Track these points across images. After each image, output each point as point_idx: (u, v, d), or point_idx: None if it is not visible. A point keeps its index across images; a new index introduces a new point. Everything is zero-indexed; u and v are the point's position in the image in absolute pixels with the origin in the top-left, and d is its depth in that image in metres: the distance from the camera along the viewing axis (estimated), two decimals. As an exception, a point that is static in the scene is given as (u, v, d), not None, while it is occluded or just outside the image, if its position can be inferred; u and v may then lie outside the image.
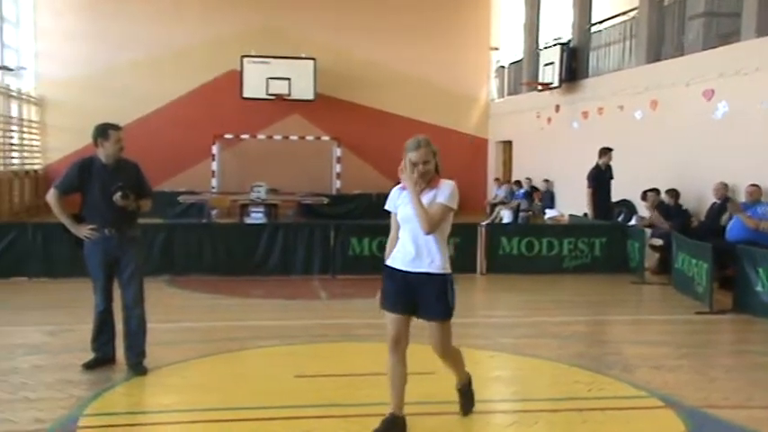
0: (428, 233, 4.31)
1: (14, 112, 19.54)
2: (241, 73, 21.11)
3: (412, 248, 4.38)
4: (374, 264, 10.78)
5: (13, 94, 19.37)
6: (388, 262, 4.49)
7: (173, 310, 8.19)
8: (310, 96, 21.41)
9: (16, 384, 5.41)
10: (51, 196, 5.75)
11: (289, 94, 21.13)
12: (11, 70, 18.51)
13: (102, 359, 5.87)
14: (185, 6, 21.71)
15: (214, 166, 21.09)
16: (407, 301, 4.39)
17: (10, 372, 5.76)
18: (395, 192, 4.52)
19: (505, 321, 8.32)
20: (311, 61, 21.28)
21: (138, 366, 5.73)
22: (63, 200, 5.75)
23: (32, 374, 5.70)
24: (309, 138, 22.01)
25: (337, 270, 10.67)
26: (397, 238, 4.50)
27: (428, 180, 4.38)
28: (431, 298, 4.37)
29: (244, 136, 21.74)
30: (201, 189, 20.03)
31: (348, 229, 10.98)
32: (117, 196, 5.62)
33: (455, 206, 4.37)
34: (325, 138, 22.12)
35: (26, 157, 20.44)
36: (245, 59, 21.01)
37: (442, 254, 4.39)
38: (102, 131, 5.76)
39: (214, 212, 17.68)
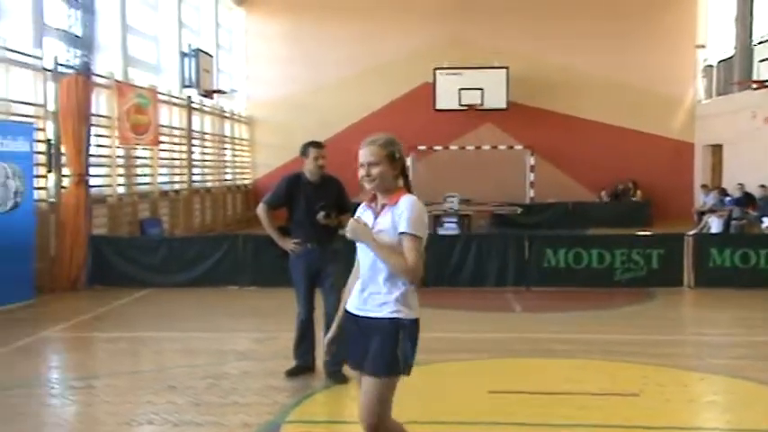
0: (412, 283, 3.33)
1: (227, 132, 21.13)
2: (434, 85, 21.41)
3: (359, 284, 3.43)
4: (570, 276, 10.55)
5: (227, 114, 20.96)
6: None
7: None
8: (503, 105, 21.26)
9: (227, 389, 5.77)
10: (261, 210, 6.10)
11: (481, 104, 21.11)
12: (224, 93, 20.04)
13: (302, 367, 6.11)
14: (380, 26, 22.38)
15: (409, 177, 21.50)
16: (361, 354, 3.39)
17: (221, 377, 6.16)
18: (359, 209, 3.53)
19: (717, 340, 7.69)
20: (504, 70, 21.13)
21: (337, 375, 5.87)
22: (271, 213, 6.09)
23: (241, 380, 6.06)
24: (502, 147, 21.83)
25: (532, 282, 10.43)
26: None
27: (384, 191, 3.42)
28: (375, 347, 3.33)
29: (436, 147, 21.99)
30: (397, 200, 20.45)
31: (543, 239, 10.71)
32: (320, 216, 5.86)
33: (425, 235, 3.33)
34: (518, 146, 21.83)
35: (238, 173, 22.01)
36: (438, 72, 21.29)
37: (393, 291, 3.33)
38: (303, 149, 6.04)
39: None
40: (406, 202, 3.35)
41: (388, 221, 3.33)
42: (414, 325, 3.36)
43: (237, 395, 5.59)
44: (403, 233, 3.27)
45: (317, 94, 22.21)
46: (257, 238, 11.17)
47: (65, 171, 10.67)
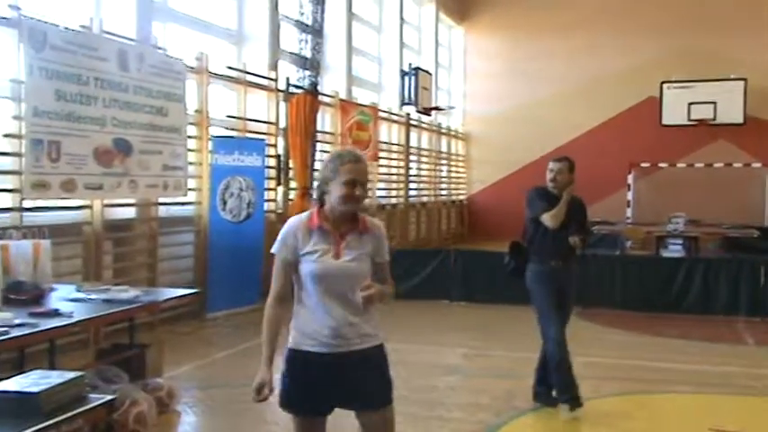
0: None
1: (444, 147, 21.49)
2: (660, 99, 20.29)
3: (331, 320, 3.06)
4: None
5: (444, 130, 21.32)
6: (296, 343, 3.13)
7: (581, 343, 8.06)
8: (739, 120, 19.64)
9: (433, 403, 5.82)
10: (548, 216, 5.61)
11: (713, 119, 19.66)
12: (442, 110, 20.41)
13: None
14: (600, 40, 21.65)
15: (629, 195, 20.56)
16: (329, 395, 3.11)
17: (429, 390, 6.23)
18: (298, 229, 3.07)
19: None
20: (741, 82, 19.55)
21: (548, 397, 5.69)
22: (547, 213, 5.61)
23: (447, 395, 6.09)
24: (737, 164, 20.17)
25: None
26: (290, 300, 3.16)
27: (350, 216, 3.10)
28: (367, 378, 3.13)
29: (661, 164, 20.81)
30: (616, 219, 19.62)
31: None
32: (576, 240, 5.57)
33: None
34: (756, 164, 20.05)
35: (453, 189, 22.29)
36: (665, 85, 20.16)
37: (369, 320, 3.16)
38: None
39: (628, 244, 17.17)
40: (381, 228, 3.23)
41: (365, 246, 3.11)
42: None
43: (443, 409, 5.62)
44: (385, 262, 3.21)
45: (534, 110, 21.92)
46: (469, 254, 11.25)
47: (291, 184, 11.39)
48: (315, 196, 3.18)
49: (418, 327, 9.12)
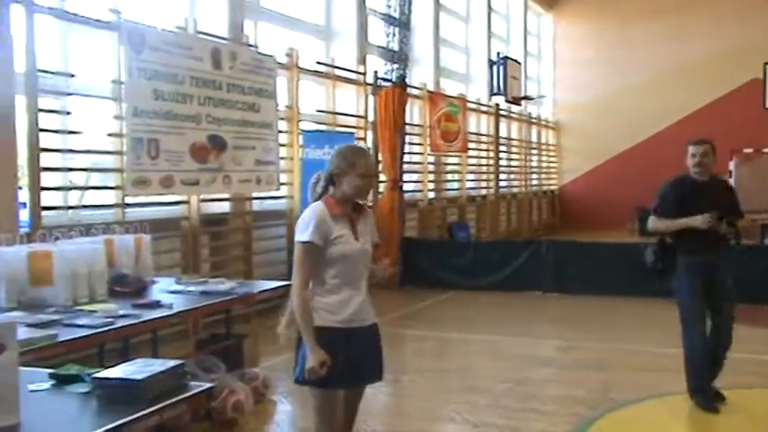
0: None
1: (534, 137, 21.14)
2: (764, 81, 19.33)
3: (353, 298, 3.38)
4: None
5: (533, 120, 20.98)
6: (326, 321, 3.31)
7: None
8: None
9: (526, 395, 5.74)
10: (653, 222, 5.25)
11: (824, 100, 18.60)
12: (532, 99, 20.08)
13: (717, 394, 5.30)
14: (694, 23, 20.79)
15: (731, 182, 19.69)
16: (355, 367, 3.38)
17: (522, 382, 6.15)
18: (326, 216, 3.30)
19: None
20: None
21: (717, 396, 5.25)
22: (661, 222, 5.23)
23: (541, 387, 6.00)
24: None
25: None
26: (319, 283, 3.34)
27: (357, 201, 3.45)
28: (376, 354, 3.51)
29: (766, 150, 19.83)
30: (717, 208, 18.84)
31: None
32: (723, 228, 5.11)
33: None
34: None
35: (543, 179, 21.91)
36: (770, 66, 19.19)
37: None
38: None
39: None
40: (370, 213, 3.59)
41: (368, 229, 3.46)
42: None
43: (537, 402, 5.53)
44: (378, 241, 3.56)
45: (625, 98, 21.26)
46: (562, 244, 11.04)
47: (381, 177, 11.45)
48: (321, 186, 3.40)
49: (510, 318, 9.02)
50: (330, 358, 3.21)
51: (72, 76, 6.82)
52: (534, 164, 21.19)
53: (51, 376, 2.76)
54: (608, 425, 5.07)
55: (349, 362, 3.28)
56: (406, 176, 12.13)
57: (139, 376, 2.54)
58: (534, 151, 21.18)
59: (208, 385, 2.82)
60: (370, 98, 11.47)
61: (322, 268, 3.31)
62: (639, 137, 18.95)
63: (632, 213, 18.08)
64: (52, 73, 6.58)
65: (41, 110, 6.22)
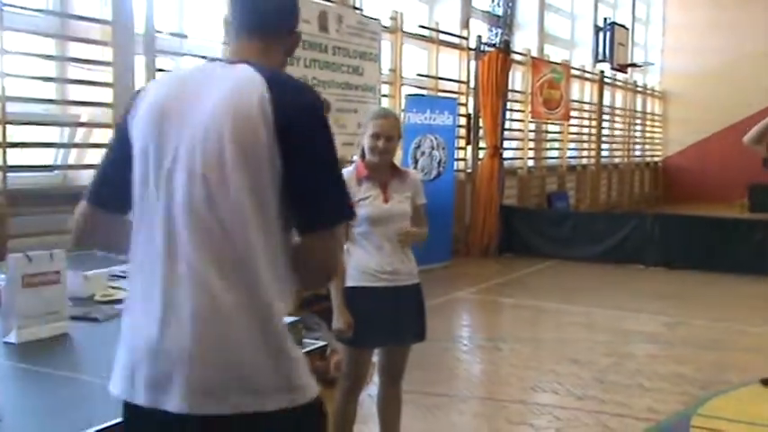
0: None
1: (639, 107, 20.40)
2: None
3: (386, 258, 3.40)
4: None
5: (639, 89, 20.22)
6: (355, 281, 3.38)
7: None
8: None
9: (631, 370, 5.59)
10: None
11: None
12: (639, 66, 19.34)
13: None
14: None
15: None
16: (385, 328, 3.43)
17: (626, 357, 5.99)
18: (351, 179, 3.29)
19: None
20: None
21: None
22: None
23: (647, 363, 5.82)
24: None
25: None
26: (350, 244, 3.39)
27: (387, 164, 3.41)
28: (413, 314, 3.53)
29: None
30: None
31: None
32: None
33: None
34: None
35: (647, 150, 21.16)
36: None
37: (411, 257, 3.53)
38: None
39: None
40: (416, 175, 3.69)
41: (406, 191, 3.44)
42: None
43: (643, 378, 5.38)
44: (423, 203, 3.50)
45: (739, 66, 20.14)
46: (668, 218, 10.69)
47: (481, 144, 11.30)
48: (360, 148, 3.48)
49: (610, 291, 8.79)
50: (356, 318, 3.32)
51: (185, 37, 6.97)
52: (638, 134, 20.49)
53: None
54: (723, 405, 4.87)
55: (369, 321, 3.35)
56: (506, 144, 11.92)
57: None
58: (638, 121, 20.46)
59: (321, 343, 2.84)
60: (473, 63, 11.28)
61: (349, 230, 3.36)
62: (754, 108, 17.89)
63: (743, 190, 17.27)
64: (168, 34, 6.74)
65: (159, 69, 6.39)
